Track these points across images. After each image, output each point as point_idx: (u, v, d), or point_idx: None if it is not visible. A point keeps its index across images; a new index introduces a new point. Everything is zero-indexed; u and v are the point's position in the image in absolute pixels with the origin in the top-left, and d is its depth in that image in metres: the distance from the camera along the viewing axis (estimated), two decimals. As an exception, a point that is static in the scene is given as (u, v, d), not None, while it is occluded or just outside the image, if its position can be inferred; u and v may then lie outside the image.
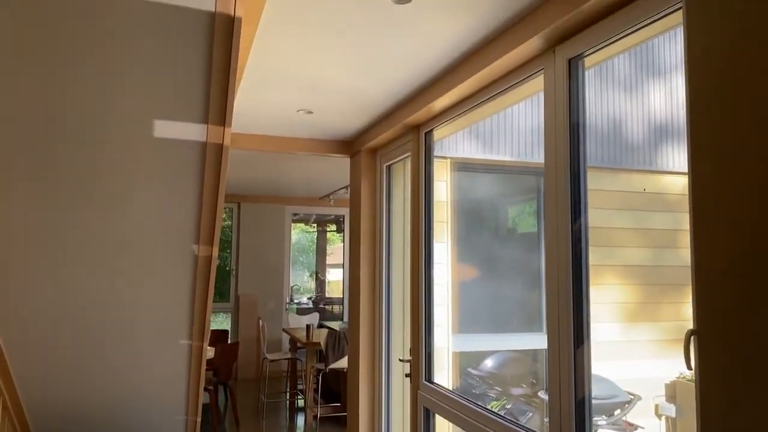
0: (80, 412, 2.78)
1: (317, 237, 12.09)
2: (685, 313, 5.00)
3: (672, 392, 4.51)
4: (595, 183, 5.08)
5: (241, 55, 2.32)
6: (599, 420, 4.55)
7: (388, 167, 4.10)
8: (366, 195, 4.20)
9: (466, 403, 2.76)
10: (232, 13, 1.39)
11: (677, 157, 5.29)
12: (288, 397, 7.02)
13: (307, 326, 6.34)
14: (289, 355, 7.03)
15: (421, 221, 3.30)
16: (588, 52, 2.03)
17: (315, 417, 5.99)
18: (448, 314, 4.56)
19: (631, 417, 4.65)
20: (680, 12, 1.54)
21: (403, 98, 3.22)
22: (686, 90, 1.34)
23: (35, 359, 2.46)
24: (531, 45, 2.14)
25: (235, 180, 6.94)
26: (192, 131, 1.70)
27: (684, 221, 1.36)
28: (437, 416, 3.15)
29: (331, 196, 7.65)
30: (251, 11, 1.84)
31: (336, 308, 10.36)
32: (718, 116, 1.26)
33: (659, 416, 4.70)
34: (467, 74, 2.55)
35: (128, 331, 2.48)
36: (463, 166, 4.84)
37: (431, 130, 3.27)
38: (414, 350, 3.35)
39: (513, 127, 4.82)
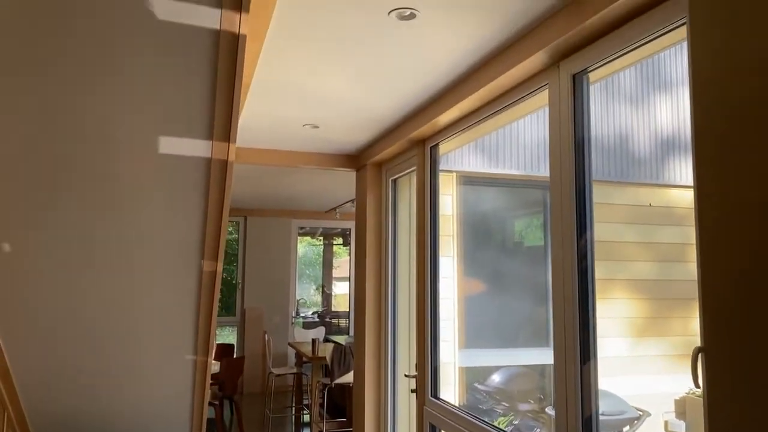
0: (84, 426, 2.77)
1: (324, 250, 12.08)
2: (694, 328, 4.94)
3: (682, 408, 4.44)
4: (602, 197, 5.06)
5: (247, 70, 2.35)
6: (608, 436, 4.49)
7: (394, 181, 4.10)
8: (372, 209, 4.20)
9: (472, 419, 2.73)
10: (237, 31, 1.41)
11: (685, 171, 5.26)
12: (293, 412, 6.98)
13: (313, 340, 6.32)
14: (294, 370, 7.00)
15: (427, 235, 3.30)
16: (592, 67, 2.03)
17: (320, 432, 5.96)
18: (455, 329, 4.54)
19: (640, 434, 4.59)
20: (684, 27, 1.54)
21: (409, 112, 3.23)
22: (691, 104, 1.34)
23: (40, 373, 2.46)
24: (535, 60, 2.15)
25: (242, 194, 6.96)
26: (197, 147, 1.71)
27: (692, 235, 1.35)
28: (443, 432, 3.12)
29: (337, 210, 7.66)
30: (257, 28, 1.86)
31: (342, 322, 10.32)
32: (724, 129, 1.25)
33: (669, 433, 4.64)
34: (472, 89, 2.55)
35: (133, 345, 2.48)
36: (469, 180, 4.84)
37: (437, 144, 3.28)
38: (420, 365, 3.32)
39: (519, 141, 4.82)
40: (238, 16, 1.35)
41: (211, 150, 1.72)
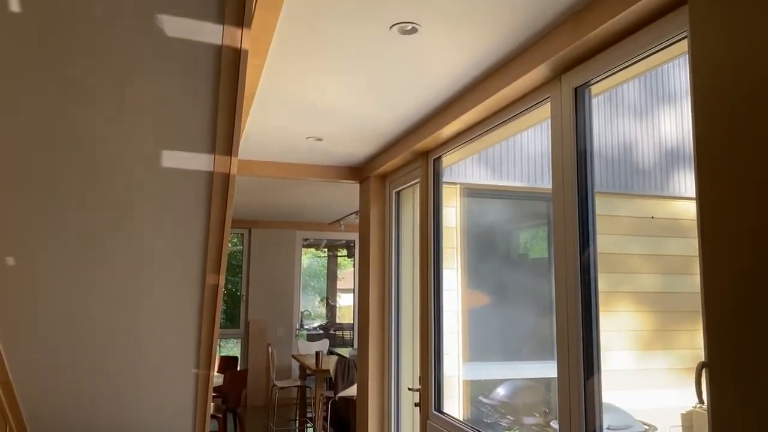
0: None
1: (328, 262, 12.07)
2: (700, 341, 4.89)
3: (688, 422, 4.39)
4: (606, 209, 5.04)
5: (251, 84, 2.36)
6: (614, 451, 4.44)
7: (397, 193, 4.11)
8: (375, 221, 4.20)
9: (475, 433, 2.71)
10: (239, 46, 1.42)
11: (690, 183, 5.25)
12: (297, 425, 6.94)
13: (317, 353, 6.30)
14: (298, 383, 6.97)
15: (430, 247, 3.29)
16: (594, 81, 2.03)
17: (324, 445, 5.92)
18: (458, 342, 4.51)
19: (647, 448, 4.53)
20: (685, 41, 1.55)
21: (412, 125, 3.24)
22: (692, 116, 1.34)
23: (40, 385, 2.45)
24: (537, 74, 2.15)
25: (246, 205, 6.98)
26: (199, 161, 1.72)
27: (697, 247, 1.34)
28: (447, 447, 3.09)
29: (341, 222, 7.66)
30: (260, 43, 1.87)
31: (347, 334, 10.28)
32: (725, 138, 1.25)
33: (676, 447, 4.58)
34: (474, 102, 2.56)
35: (134, 358, 2.47)
36: (473, 192, 4.83)
37: (440, 157, 3.28)
38: (423, 379, 3.30)
39: (523, 153, 4.82)
40: (240, 31, 1.36)
41: (213, 164, 1.72)
